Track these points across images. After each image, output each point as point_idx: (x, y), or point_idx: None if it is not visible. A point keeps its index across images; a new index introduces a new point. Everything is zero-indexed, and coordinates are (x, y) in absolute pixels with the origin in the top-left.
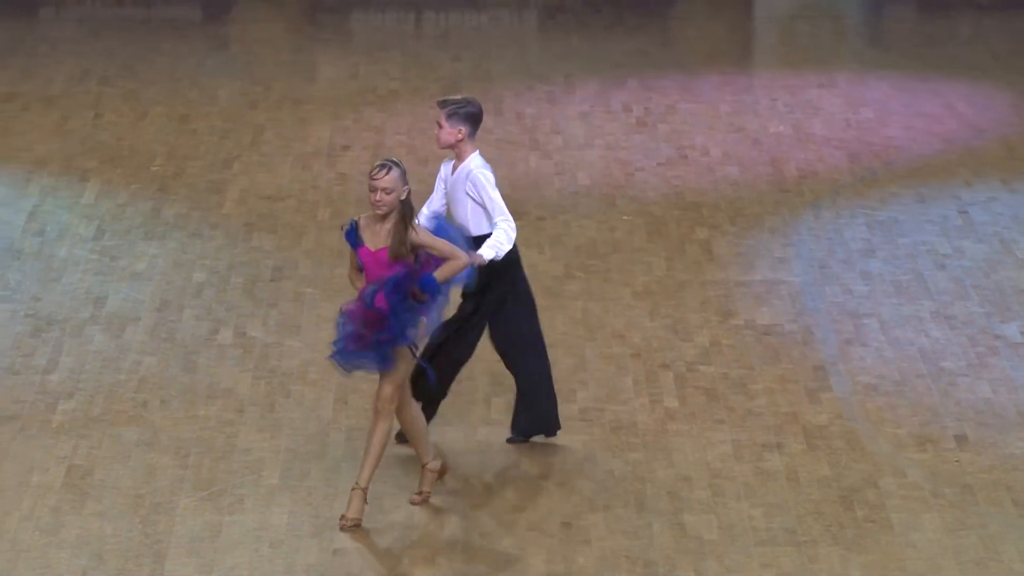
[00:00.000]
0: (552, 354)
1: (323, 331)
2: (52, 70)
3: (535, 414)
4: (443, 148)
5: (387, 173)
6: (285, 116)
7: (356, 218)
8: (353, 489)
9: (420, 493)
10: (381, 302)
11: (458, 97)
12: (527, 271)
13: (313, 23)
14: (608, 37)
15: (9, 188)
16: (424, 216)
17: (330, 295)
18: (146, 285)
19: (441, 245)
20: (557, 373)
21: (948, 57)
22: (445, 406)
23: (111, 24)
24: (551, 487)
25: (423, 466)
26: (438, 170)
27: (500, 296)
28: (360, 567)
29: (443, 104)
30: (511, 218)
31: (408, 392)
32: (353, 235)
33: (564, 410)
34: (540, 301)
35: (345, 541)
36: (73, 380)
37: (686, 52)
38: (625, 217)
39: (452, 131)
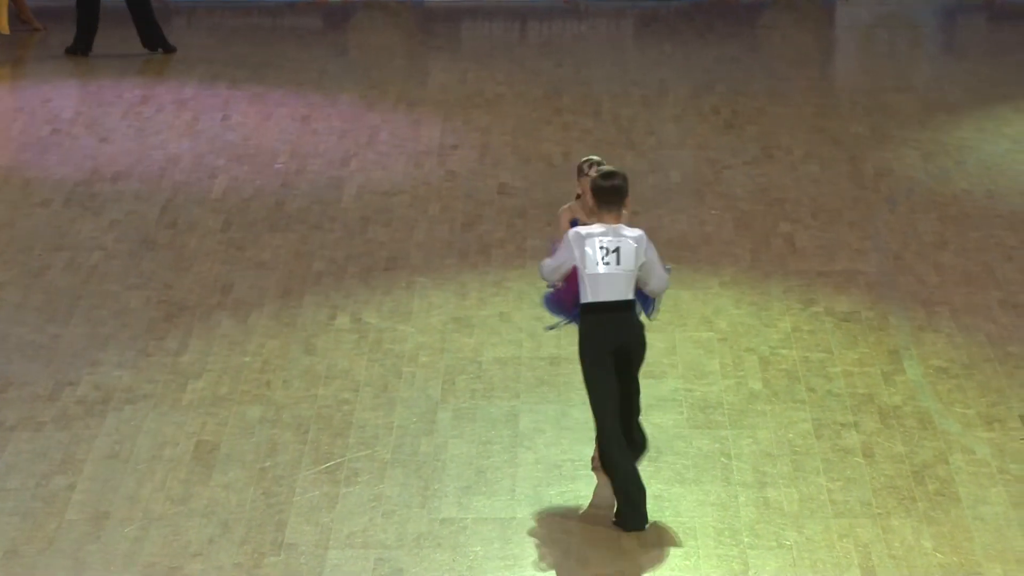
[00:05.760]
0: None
1: (432, 316)
2: (184, 75)
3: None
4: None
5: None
6: (399, 117)
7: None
8: None
9: None
10: None
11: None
12: None
13: (426, 31)
14: (699, 44)
15: (144, 184)
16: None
17: (439, 283)
18: (270, 274)
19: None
20: (650, 356)
21: (1017, 63)
22: (538, 388)
23: (239, 32)
24: (643, 462)
25: None
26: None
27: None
28: (467, 535)
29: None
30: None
31: None
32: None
33: (656, 390)
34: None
35: (451, 511)
36: (202, 362)
37: (772, 58)
38: (714, 212)
39: None
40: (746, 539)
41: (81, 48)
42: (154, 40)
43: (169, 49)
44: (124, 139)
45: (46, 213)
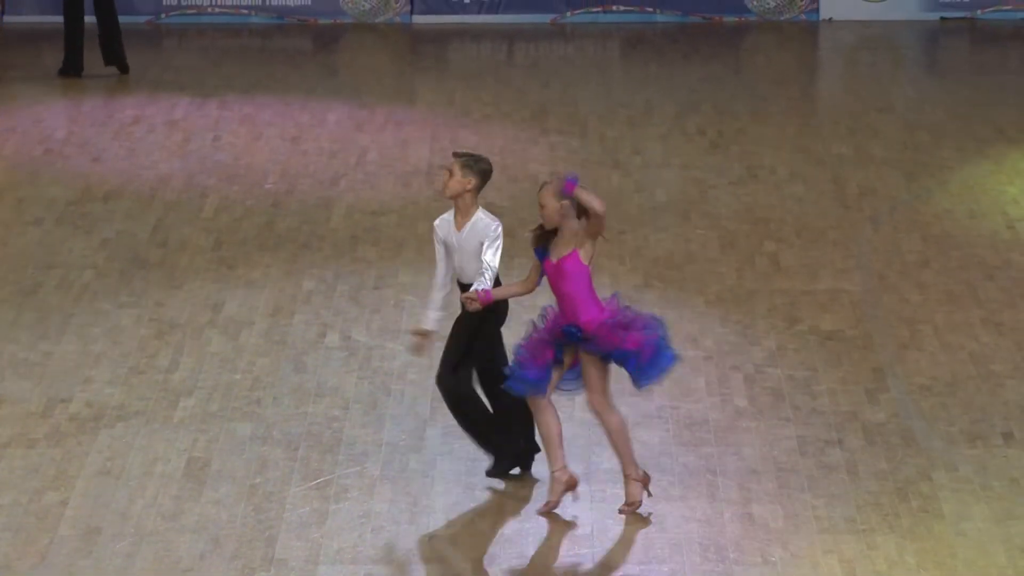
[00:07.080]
0: None
1: None
2: (175, 95)
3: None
4: (449, 197)
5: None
6: (387, 138)
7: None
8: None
9: (547, 503)
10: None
11: (472, 151)
12: (609, 280)
13: (414, 52)
14: (684, 65)
15: (135, 203)
16: (440, 279)
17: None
18: (260, 292)
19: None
20: None
21: (998, 84)
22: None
23: (230, 53)
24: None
25: (552, 472)
26: (433, 233)
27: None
28: (451, 552)
29: (458, 155)
30: None
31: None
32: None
33: (643, 408)
34: None
35: (438, 528)
36: (193, 379)
37: (756, 79)
38: (699, 231)
39: (463, 181)
40: (731, 555)
41: (73, 69)
42: (113, 56)
43: (124, 69)
44: (116, 159)
45: (38, 232)
